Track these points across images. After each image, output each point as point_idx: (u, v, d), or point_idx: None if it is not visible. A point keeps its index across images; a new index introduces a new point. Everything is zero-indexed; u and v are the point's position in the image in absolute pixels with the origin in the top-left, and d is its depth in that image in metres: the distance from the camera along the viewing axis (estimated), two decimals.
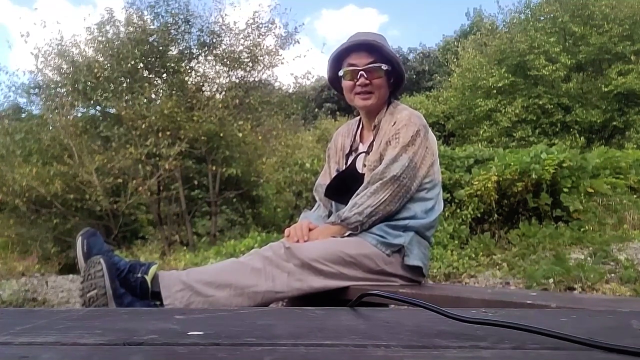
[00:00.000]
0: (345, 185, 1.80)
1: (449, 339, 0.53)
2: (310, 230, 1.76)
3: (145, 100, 9.94)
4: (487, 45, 15.98)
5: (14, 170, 9.26)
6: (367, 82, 1.76)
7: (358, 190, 1.72)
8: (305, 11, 47.12)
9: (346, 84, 1.80)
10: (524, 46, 14.29)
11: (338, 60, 1.82)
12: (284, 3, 26.75)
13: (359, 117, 1.96)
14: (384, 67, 1.76)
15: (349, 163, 1.90)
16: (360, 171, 1.81)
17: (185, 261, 7.03)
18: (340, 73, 1.80)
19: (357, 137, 1.93)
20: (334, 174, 1.94)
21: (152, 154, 9.51)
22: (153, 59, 10.75)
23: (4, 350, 0.52)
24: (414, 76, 24.05)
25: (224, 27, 11.18)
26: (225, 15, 12.08)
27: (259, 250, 1.66)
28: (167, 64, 10.77)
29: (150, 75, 11.06)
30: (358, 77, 1.76)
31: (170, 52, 10.92)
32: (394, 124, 1.76)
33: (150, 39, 10.60)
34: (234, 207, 12.11)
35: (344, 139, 1.97)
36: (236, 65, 11.07)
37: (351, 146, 1.92)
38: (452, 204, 5.91)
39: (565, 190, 5.80)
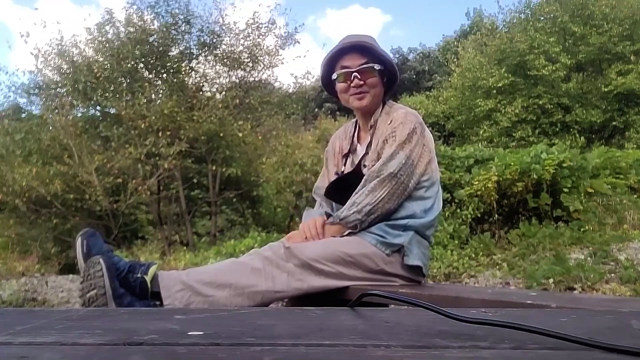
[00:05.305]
0: (347, 186, 1.80)
1: (449, 339, 0.53)
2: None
3: (145, 100, 9.93)
4: (487, 45, 15.97)
5: (14, 170, 9.25)
6: (361, 82, 1.76)
7: (356, 189, 1.72)
8: (309, 10, 47.04)
9: (340, 86, 1.81)
10: (524, 46, 14.29)
11: (330, 63, 1.82)
12: (288, 2, 26.80)
13: (355, 119, 1.97)
14: (377, 67, 1.77)
15: (348, 164, 1.90)
16: (364, 173, 1.81)
17: (185, 261, 7.03)
18: (334, 76, 1.81)
19: (355, 139, 1.94)
20: (332, 176, 1.95)
21: (152, 153, 9.51)
22: (153, 59, 10.75)
23: (4, 350, 0.52)
24: (414, 76, 24.05)
25: (224, 27, 11.19)
26: (226, 15, 12.09)
27: (259, 250, 1.66)
28: (167, 64, 10.76)
29: (150, 76, 11.05)
30: (352, 78, 1.76)
31: (170, 53, 10.92)
32: (390, 122, 1.77)
33: (151, 39, 10.60)
34: (234, 207, 12.12)
35: (342, 141, 1.98)
36: (236, 66, 11.07)
37: (349, 148, 1.93)
38: (452, 204, 5.92)
39: (566, 190, 5.81)
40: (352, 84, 1.77)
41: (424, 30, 50.46)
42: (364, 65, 1.75)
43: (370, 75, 1.77)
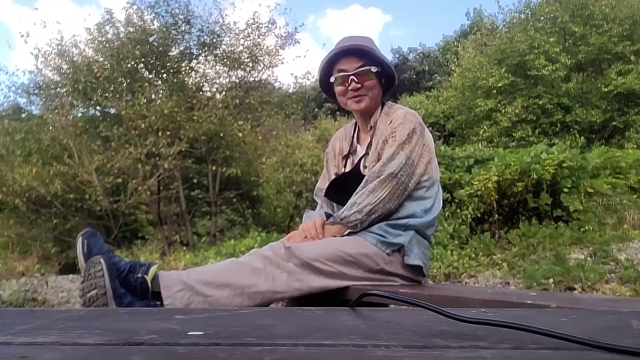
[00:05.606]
0: (346, 186, 1.81)
1: (449, 339, 0.53)
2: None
3: (145, 100, 9.93)
4: (487, 45, 15.97)
5: (14, 170, 9.25)
6: (359, 85, 1.77)
7: (357, 190, 1.73)
8: (309, 10, 47.02)
9: (338, 89, 1.82)
10: (524, 46, 14.28)
11: (328, 67, 1.83)
12: (288, 2, 26.83)
13: (355, 121, 1.97)
14: (374, 69, 1.77)
15: (348, 165, 1.90)
16: (363, 173, 1.82)
17: (185, 261, 7.03)
18: (332, 79, 1.82)
19: (355, 140, 1.94)
20: (332, 177, 1.95)
21: (152, 153, 9.51)
22: (153, 59, 10.74)
23: (4, 350, 0.52)
24: (414, 76, 24.03)
25: (224, 27, 11.19)
26: (226, 15, 12.10)
27: (259, 250, 1.66)
28: (167, 64, 10.76)
29: (150, 76, 11.05)
30: (349, 81, 1.77)
31: (170, 53, 10.92)
32: (390, 122, 1.78)
33: (151, 39, 10.60)
34: (234, 207, 12.11)
35: (342, 142, 1.98)
36: (236, 66, 11.06)
37: (349, 149, 1.93)
38: (452, 204, 5.92)
39: (566, 190, 5.81)
40: (349, 87, 1.78)
41: (424, 30, 50.49)
42: (361, 69, 1.76)
43: (368, 78, 1.78)
